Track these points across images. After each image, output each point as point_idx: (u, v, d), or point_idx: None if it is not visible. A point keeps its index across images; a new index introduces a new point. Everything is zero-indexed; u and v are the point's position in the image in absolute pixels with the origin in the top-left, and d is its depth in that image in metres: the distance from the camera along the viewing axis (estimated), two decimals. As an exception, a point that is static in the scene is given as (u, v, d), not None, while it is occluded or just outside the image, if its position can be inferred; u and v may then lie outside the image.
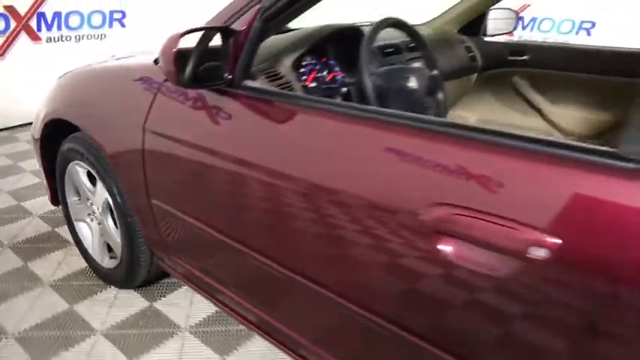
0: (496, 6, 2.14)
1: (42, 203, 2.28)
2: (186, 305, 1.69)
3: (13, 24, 3.27)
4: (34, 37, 3.40)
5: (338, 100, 1.40)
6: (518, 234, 0.65)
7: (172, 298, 1.72)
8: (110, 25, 3.79)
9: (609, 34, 3.94)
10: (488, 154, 0.71)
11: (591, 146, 0.65)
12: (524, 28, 4.55)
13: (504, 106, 2.06)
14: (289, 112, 1.00)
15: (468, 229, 0.70)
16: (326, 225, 0.91)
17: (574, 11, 4.38)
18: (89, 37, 3.68)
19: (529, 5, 4.46)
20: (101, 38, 3.75)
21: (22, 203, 2.37)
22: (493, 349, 0.75)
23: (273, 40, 1.34)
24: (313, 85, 1.45)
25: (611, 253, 0.59)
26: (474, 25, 2.14)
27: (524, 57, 2.05)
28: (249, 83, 1.08)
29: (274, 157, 0.99)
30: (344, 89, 1.51)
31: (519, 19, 4.61)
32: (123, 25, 3.85)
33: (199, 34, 1.02)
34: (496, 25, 2.22)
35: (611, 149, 0.62)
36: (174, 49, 0.93)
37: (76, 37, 3.61)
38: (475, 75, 2.13)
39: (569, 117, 1.86)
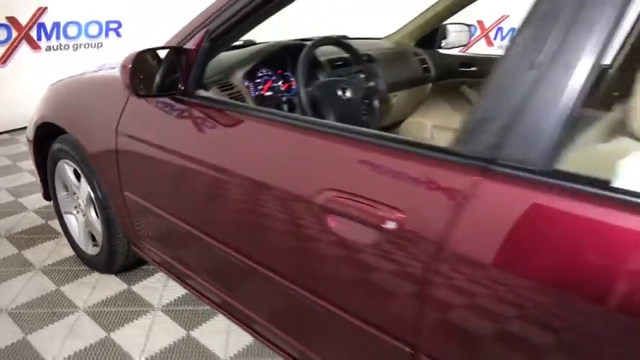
0: (450, 21, 2.36)
1: (37, 199, 2.49)
2: (159, 288, 1.90)
3: (14, 33, 3.52)
4: (35, 46, 3.65)
5: (285, 106, 1.61)
6: (377, 211, 0.86)
7: (148, 282, 1.93)
8: (106, 35, 4.03)
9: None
10: (361, 150, 0.92)
11: (436, 145, 0.85)
12: (502, 38, 4.75)
13: (456, 112, 2.26)
14: (232, 118, 1.21)
15: (349, 209, 0.91)
16: (263, 215, 1.10)
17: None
18: (86, 46, 3.92)
19: (508, 16, 4.66)
20: (98, 47, 3.99)
21: (19, 199, 2.59)
22: (362, 295, 0.95)
23: (228, 55, 1.56)
24: (269, 93, 1.67)
25: (442, 228, 0.79)
26: (429, 38, 2.35)
27: (473, 68, 2.25)
28: (201, 93, 1.29)
29: (218, 156, 1.20)
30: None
31: (498, 29, 4.85)
32: (119, 35, 4.09)
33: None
34: (454, 38, 2.43)
35: (448, 147, 0.82)
36: (129, 65, 1.14)
37: (74, 46, 3.85)
38: (430, 85, 2.34)
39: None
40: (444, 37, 2.45)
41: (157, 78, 1.24)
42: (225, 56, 1.57)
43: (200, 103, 1.25)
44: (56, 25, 3.72)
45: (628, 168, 0.67)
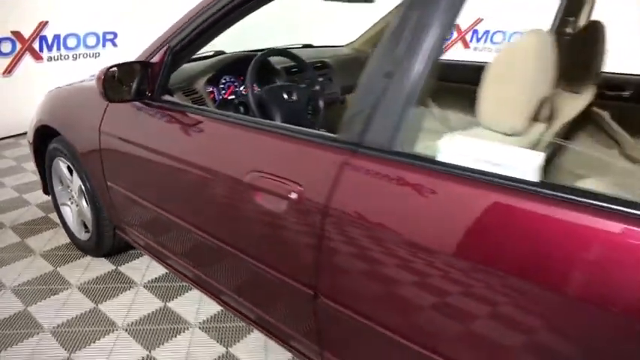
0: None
1: (38, 195, 2.77)
2: (143, 268, 2.17)
3: (18, 46, 3.82)
4: (37, 57, 3.95)
5: (241, 108, 1.87)
6: (286, 185, 1.12)
7: (133, 263, 2.21)
8: (103, 45, 4.33)
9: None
10: (275, 140, 1.19)
11: (323, 133, 1.12)
12: (478, 40, 5.00)
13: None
14: (190, 117, 1.47)
15: (266, 184, 1.17)
16: (214, 197, 1.37)
17: (525, 25, 4.82)
18: (85, 55, 4.23)
19: (482, 19, 4.91)
20: (95, 57, 4.29)
21: (22, 195, 2.88)
22: (280, 251, 1.21)
23: (195, 65, 1.84)
24: (232, 97, 1.94)
25: (327, 194, 1.05)
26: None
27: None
28: (166, 97, 1.56)
29: (178, 149, 1.46)
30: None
31: (474, 32, 5.10)
32: (115, 45, 4.39)
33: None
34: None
35: (332, 135, 1.09)
36: (102, 77, 1.41)
37: (73, 56, 4.15)
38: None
39: (452, 115, 2.32)
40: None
41: (133, 86, 1.51)
42: (190, 66, 1.85)
43: (164, 106, 1.53)
44: (57, 37, 4.02)
45: (444, 146, 0.93)
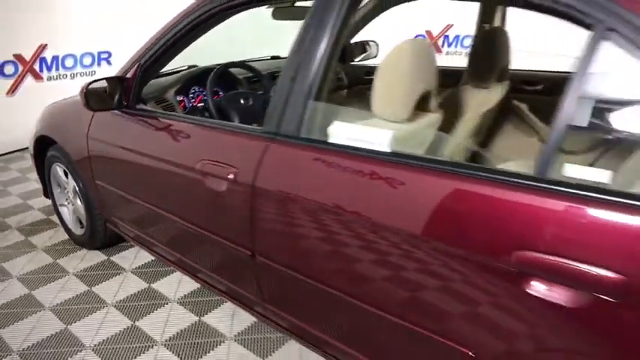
0: (362, 39, 2.93)
1: (41, 201, 3.09)
2: (131, 257, 2.48)
3: (20, 68, 4.18)
4: (37, 77, 4.31)
5: (206, 113, 2.18)
6: (225, 169, 1.43)
7: (123, 254, 2.52)
8: (99, 64, 4.69)
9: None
10: (220, 134, 1.50)
11: (255, 127, 1.42)
12: (449, 45, 5.31)
13: (363, 110, 2.82)
14: (159, 121, 1.78)
15: (212, 169, 1.47)
16: (181, 184, 1.67)
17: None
18: (82, 74, 4.58)
19: (452, 25, 5.22)
20: (92, 75, 4.64)
21: (26, 201, 3.21)
22: (224, 222, 1.51)
23: (167, 79, 2.16)
24: (200, 104, 2.25)
25: (253, 173, 1.35)
26: (342, 54, 2.92)
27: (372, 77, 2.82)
28: (140, 106, 1.88)
29: (151, 147, 1.77)
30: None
31: (445, 37, 5.41)
32: (109, 63, 4.74)
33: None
34: (367, 52, 3.01)
35: (257, 127, 1.39)
36: (84, 90, 1.73)
37: (70, 74, 4.51)
38: (345, 91, 2.91)
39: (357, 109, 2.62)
40: (364, 51, 3.04)
41: (116, 97, 1.83)
42: (165, 79, 2.17)
43: (138, 113, 1.84)
44: (55, 58, 4.38)
45: (332, 131, 1.23)
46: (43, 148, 2.51)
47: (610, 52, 0.86)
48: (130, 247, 2.57)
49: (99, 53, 4.66)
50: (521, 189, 0.92)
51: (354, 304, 1.24)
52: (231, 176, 1.41)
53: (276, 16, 2.15)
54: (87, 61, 4.59)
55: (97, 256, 2.50)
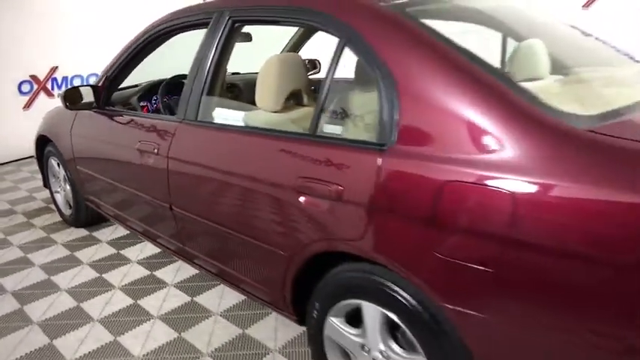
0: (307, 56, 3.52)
1: (44, 194, 3.74)
2: (109, 232, 3.07)
3: (35, 87, 4.92)
4: (49, 94, 5.04)
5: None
6: (152, 146, 2.00)
7: (103, 230, 3.11)
8: (103, 83, 5.40)
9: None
10: (154, 122, 2.09)
11: (171, 116, 2.00)
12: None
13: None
14: (121, 117, 2.38)
15: (145, 147, 2.05)
16: (131, 163, 2.25)
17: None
18: (88, 92, 5.29)
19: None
20: (96, 92, 5.35)
21: (32, 194, 3.86)
22: (157, 186, 2.08)
23: (132, 90, 2.78)
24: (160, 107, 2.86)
25: (168, 147, 1.93)
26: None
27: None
28: (109, 107, 2.49)
29: (114, 136, 2.37)
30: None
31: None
32: (112, 82, 5.46)
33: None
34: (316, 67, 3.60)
35: (174, 116, 1.97)
36: (62, 94, 2.34)
37: (78, 92, 5.23)
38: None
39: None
40: (315, 67, 3.64)
41: (86, 100, 2.44)
42: (132, 90, 2.79)
43: (105, 112, 2.45)
44: (65, 78, 5.11)
45: (216, 115, 1.81)
46: (43, 145, 3.15)
47: (348, 54, 1.42)
48: (108, 225, 3.16)
49: (103, 74, 5.37)
50: (299, 141, 1.48)
51: (229, 233, 1.78)
52: (155, 151, 1.99)
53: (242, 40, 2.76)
54: (92, 80, 5.31)
55: (81, 232, 3.10)
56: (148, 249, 2.82)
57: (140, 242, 2.90)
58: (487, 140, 1.11)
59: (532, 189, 1.01)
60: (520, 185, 1.02)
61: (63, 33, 4.96)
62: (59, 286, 2.46)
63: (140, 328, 2.09)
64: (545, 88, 1.42)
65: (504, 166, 1.06)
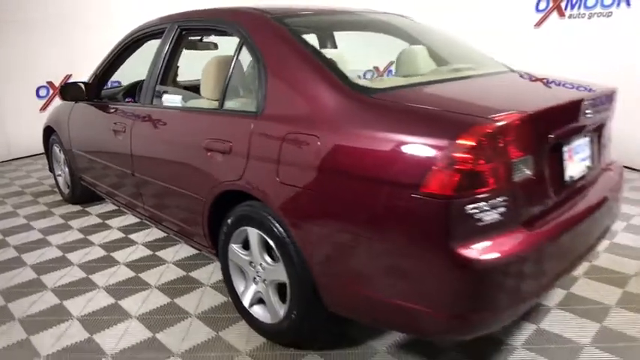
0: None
1: (51, 181, 4.37)
2: (98, 209, 3.66)
3: (51, 91, 5.62)
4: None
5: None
6: (121, 126, 2.58)
7: (95, 207, 3.70)
8: (111, 90, 6.09)
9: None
10: (126, 107, 2.67)
11: (136, 103, 2.58)
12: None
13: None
14: (107, 107, 2.97)
15: (117, 127, 2.64)
16: (109, 141, 2.83)
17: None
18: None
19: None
20: (105, 98, 6.04)
21: (42, 181, 4.51)
22: (125, 159, 2.64)
23: (120, 88, 3.39)
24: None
25: (133, 127, 2.50)
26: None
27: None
28: (96, 100, 3.09)
29: (100, 122, 2.96)
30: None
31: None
32: (119, 89, 6.15)
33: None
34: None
35: (138, 103, 2.55)
36: (58, 89, 2.95)
37: (88, 97, 5.92)
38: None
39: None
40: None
41: (79, 94, 3.05)
42: (121, 87, 3.41)
43: (92, 103, 3.05)
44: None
45: (165, 100, 2.38)
46: (48, 135, 3.79)
47: (244, 52, 1.97)
48: (99, 203, 3.75)
49: (111, 82, 6.07)
50: (211, 114, 2.05)
51: (168, 188, 2.32)
52: (123, 130, 2.57)
53: (188, 47, 3.35)
54: (101, 87, 6.01)
55: (76, 208, 3.71)
56: (129, 219, 3.39)
57: (123, 214, 3.48)
58: (312, 105, 1.64)
59: (334, 135, 1.53)
60: (326, 133, 1.54)
61: (76, 43, 5.68)
62: (51, 243, 3.04)
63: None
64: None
65: (318, 120, 1.58)
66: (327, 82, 1.64)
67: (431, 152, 1.30)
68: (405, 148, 1.36)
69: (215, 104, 2.12)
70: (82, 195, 3.65)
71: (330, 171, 1.52)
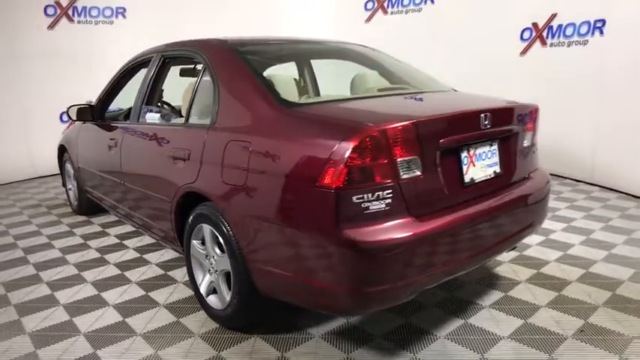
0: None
1: (65, 194, 4.81)
2: (102, 219, 4.04)
3: (73, 117, 6.18)
4: (84, 123, 6.28)
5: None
6: (113, 141, 2.96)
7: (99, 218, 4.08)
8: (128, 115, 6.62)
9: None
10: (119, 126, 3.06)
11: (127, 121, 2.97)
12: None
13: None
14: (110, 127, 3.37)
15: (111, 143, 3.01)
16: (106, 154, 3.22)
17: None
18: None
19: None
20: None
21: (57, 196, 4.96)
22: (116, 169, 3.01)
23: (121, 111, 3.82)
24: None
25: (122, 141, 2.87)
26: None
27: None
28: (100, 120, 3.51)
29: (104, 140, 3.36)
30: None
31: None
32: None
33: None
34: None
35: (128, 121, 2.93)
36: (67, 110, 3.38)
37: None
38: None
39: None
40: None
41: (85, 115, 3.48)
42: (121, 111, 3.83)
43: (96, 123, 3.46)
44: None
45: (147, 117, 2.75)
46: (62, 154, 4.24)
47: (206, 75, 2.32)
48: (102, 215, 4.14)
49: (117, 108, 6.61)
50: (178, 128, 2.38)
51: (146, 194, 2.64)
52: (116, 145, 2.95)
53: (183, 74, 3.75)
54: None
55: (82, 218, 4.10)
56: (127, 228, 3.74)
57: (121, 224, 3.84)
58: (248, 117, 1.96)
59: (261, 140, 1.84)
60: (256, 139, 1.85)
61: (99, 75, 6.27)
62: (54, 246, 3.41)
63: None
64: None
65: (251, 129, 1.90)
66: (260, 98, 1.95)
67: (326, 152, 1.59)
68: (308, 149, 1.65)
69: (182, 120, 2.47)
70: (87, 207, 4.04)
71: (256, 171, 1.81)
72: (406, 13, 6.51)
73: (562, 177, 5.07)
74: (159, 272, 2.88)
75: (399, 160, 1.62)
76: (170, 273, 2.85)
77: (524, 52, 5.28)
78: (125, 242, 3.44)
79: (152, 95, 2.85)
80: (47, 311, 2.44)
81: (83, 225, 3.90)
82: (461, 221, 1.76)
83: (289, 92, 2.05)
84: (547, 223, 3.54)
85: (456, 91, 2.64)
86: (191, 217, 2.26)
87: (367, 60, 2.85)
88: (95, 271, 2.94)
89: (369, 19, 6.83)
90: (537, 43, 5.17)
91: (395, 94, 2.29)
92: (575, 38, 4.77)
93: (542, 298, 2.39)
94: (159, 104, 3.17)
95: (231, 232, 1.96)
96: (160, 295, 2.56)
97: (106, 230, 3.74)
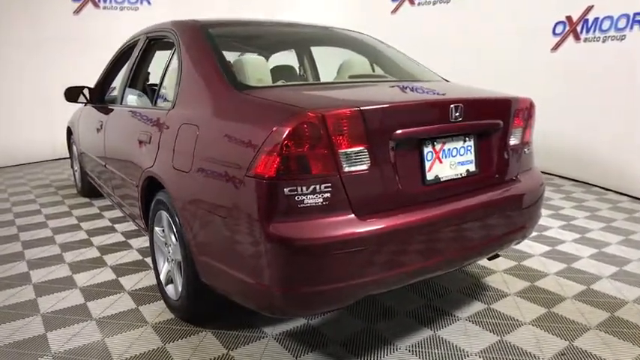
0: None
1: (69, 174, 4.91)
2: (101, 203, 4.07)
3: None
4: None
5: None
6: (99, 123, 2.94)
7: (99, 201, 4.12)
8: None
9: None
10: (112, 109, 3.03)
11: (123, 105, 2.93)
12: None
13: None
14: (107, 109, 3.36)
15: (99, 125, 3.00)
16: (97, 139, 3.22)
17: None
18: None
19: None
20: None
21: (69, 177, 5.07)
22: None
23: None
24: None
25: (106, 124, 2.84)
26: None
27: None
28: (98, 102, 3.51)
29: (92, 121, 3.37)
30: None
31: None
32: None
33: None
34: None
35: (116, 104, 2.90)
36: (65, 92, 3.39)
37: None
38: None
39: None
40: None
41: (83, 97, 3.49)
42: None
43: (94, 105, 3.47)
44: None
45: (129, 99, 2.70)
46: (69, 135, 4.30)
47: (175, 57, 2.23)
48: (102, 197, 4.17)
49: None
50: (147, 110, 2.31)
51: (121, 177, 2.60)
52: (100, 127, 2.92)
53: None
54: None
55: (84, 200, 4.15)
56: (116, 212, 3.75)
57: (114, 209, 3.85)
58: (199, 100, 1.86)
59: (207, 124, 1.72)
60: (203, 123, 1.74)
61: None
62: (48, 225, 3.46)
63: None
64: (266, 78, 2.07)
65: (201, 112, 1.79)
66: (215, 80, 1.83)
67: (261, 138, 1.45)
68: (245, 135, 1.52)
69: (149, 103, 2.40)
70: (89, 188, 4.09)
71: (200, 157, 1.70)
72: (434, 4, 6.22)
73: (588, 184, 4.68)
74: (137, 258, 2.84)
75: (341, 151, 1.46)
76: (147, 259, 2.81)
77: (555, 47, 4.90)
78: (116, 226, 3.44)
79: (136, 77, 2.80)
80: (16, 289, 2.44)
81: (83, 207, 3.95)
82: (414, 223, 1.58)
83: (254, 76, 1.92)
84: (558, 233, 3.25)
85: (447, 81, 2.43)
86: (152, 203, 2.18)
87: (359, 47, 2.68)
88: (76, 252, 2.93)
89: (395, 10, 6.60)
90: (570, 38, 4.77)
91: (367, 82, 2.11)
92: (612, 33, 4.37)
93: (527, 314, 2.16)
94: (145, 87, 3.13)
95: (178, 221, 1.87)
96: (128, 281, 2.51)
97: (102, 213, 3.76)
